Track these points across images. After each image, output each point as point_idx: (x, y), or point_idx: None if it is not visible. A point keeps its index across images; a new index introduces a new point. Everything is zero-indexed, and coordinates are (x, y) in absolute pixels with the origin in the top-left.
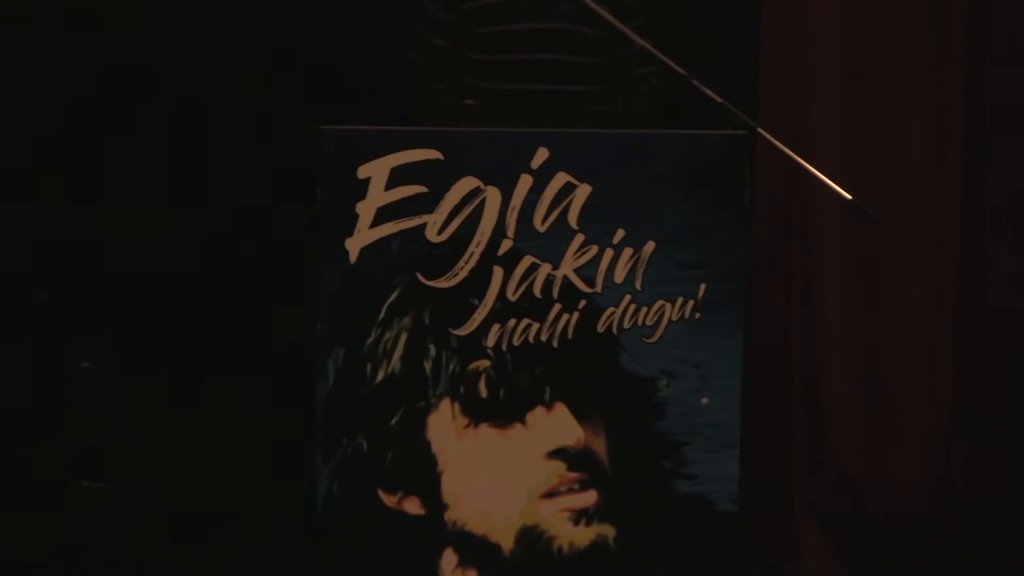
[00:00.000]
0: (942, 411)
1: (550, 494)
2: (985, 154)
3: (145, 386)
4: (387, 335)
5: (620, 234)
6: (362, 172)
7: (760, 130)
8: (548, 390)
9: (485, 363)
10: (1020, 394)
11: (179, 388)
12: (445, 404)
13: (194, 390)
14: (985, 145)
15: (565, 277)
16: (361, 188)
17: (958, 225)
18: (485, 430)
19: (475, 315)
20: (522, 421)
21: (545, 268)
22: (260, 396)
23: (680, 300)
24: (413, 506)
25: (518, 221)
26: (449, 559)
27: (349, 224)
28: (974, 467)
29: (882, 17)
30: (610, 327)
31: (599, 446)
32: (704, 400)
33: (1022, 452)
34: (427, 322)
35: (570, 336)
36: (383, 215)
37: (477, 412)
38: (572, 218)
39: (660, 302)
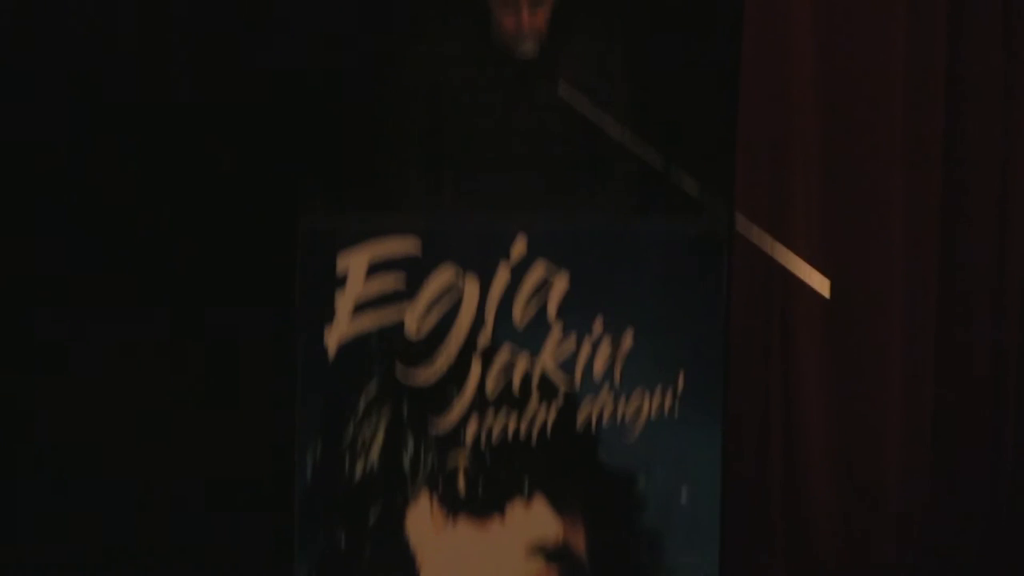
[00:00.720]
0: (921, 493)
1: None
2: (962, 233)
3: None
4: (365, 429)
5: (599, 322)
6: (340, 263)
7: (738, 217)
8: (527, 484)
9: (463, 457)
10: (1000, 474)
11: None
12: (423, 499)
13: (165, 485)
14: (963, 223)
15: (544, 371)
16: (339, 280)
17: (935, 307)
18: (464, 525)
19: (454, 409)
20: (501, 516)
21: (524, 361)
22: (237, 490)
23: (659, 389)
24: None
25: (497, 312)
26: None
27: (327, 316)
28: (954, 553)
29: (861, 99)
30: (589, 421)
31: (578, 541)
32: (683, 494)
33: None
34: (405, 416)
35: (549, 430)
36: (361, 307)
37: (456, 507)
38: (551, 307)
39: (639, 391)
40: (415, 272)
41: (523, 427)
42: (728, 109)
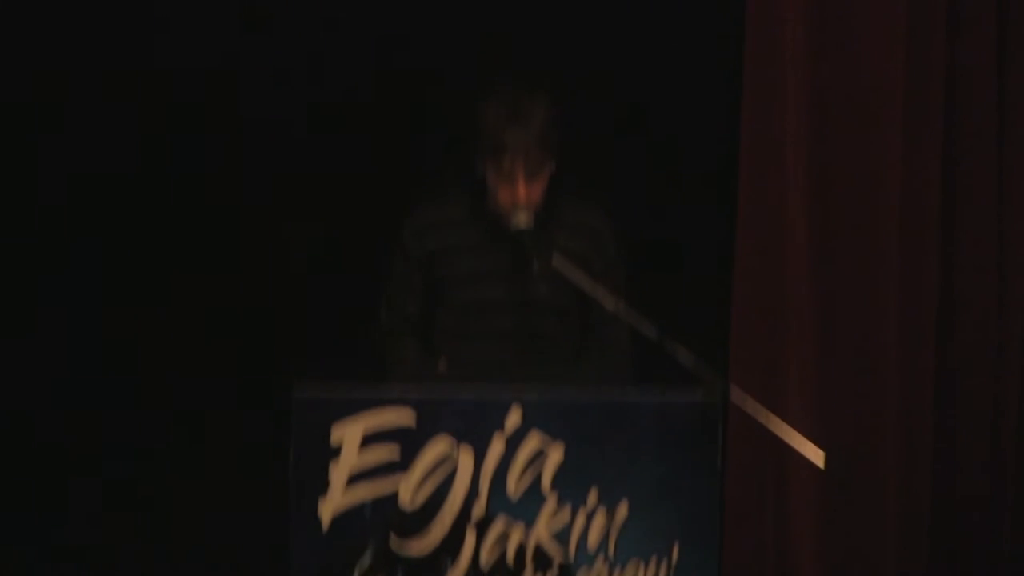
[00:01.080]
0: None
1: None
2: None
3: None
4: None
5: (593, 494)
6: (335, 434)
7: (734, 392)
8: None
9: None
10: None
11: None
12: None
13: None
14: (956, 390)
15: (538, 543)
16: (333, 450)
17: (929, 469)
18: None
19: None
20: None
21: (518, 533)
22: None
23: (654, 560)
24: None
25: (491, 483)
26: None
27: (321, 487)
28: None
29: (855, 265)
30: None
31: None
32: None
33: None
34: None
35: None
36: (356, 477)
37: None
38: (546, 479)
39: (634, 562)
40: (409, 443)
41: None
42: (722, 278)
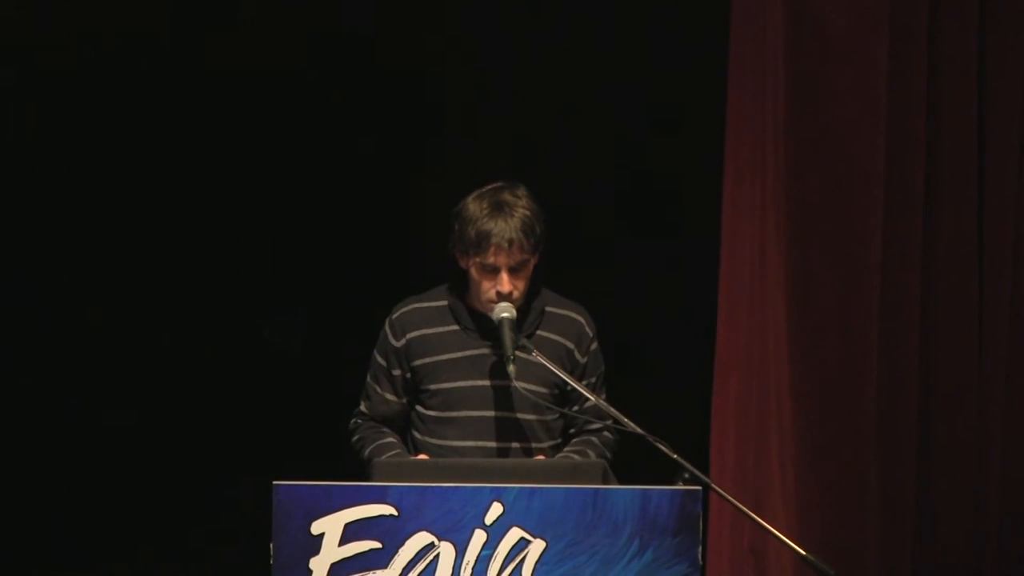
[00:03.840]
0: None
1: None
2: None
3: None
4: None
5: None
6: (315, 527)
7: (714, 487)
8: None
9: None
10: None
11: None
12: None
13: None
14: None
15: None
16: (314, 543)
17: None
18: None
19: None
20: None
21: None
22: None
23: None
24: None
25: None
26: None
27: None
28: None
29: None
30: None
31: None
32: None
33: None
34: None
35: None
36: (337, 571)
37: None
38: (526, 573)
39: None
40: (391, 538)
41: None
42: (702, 377)
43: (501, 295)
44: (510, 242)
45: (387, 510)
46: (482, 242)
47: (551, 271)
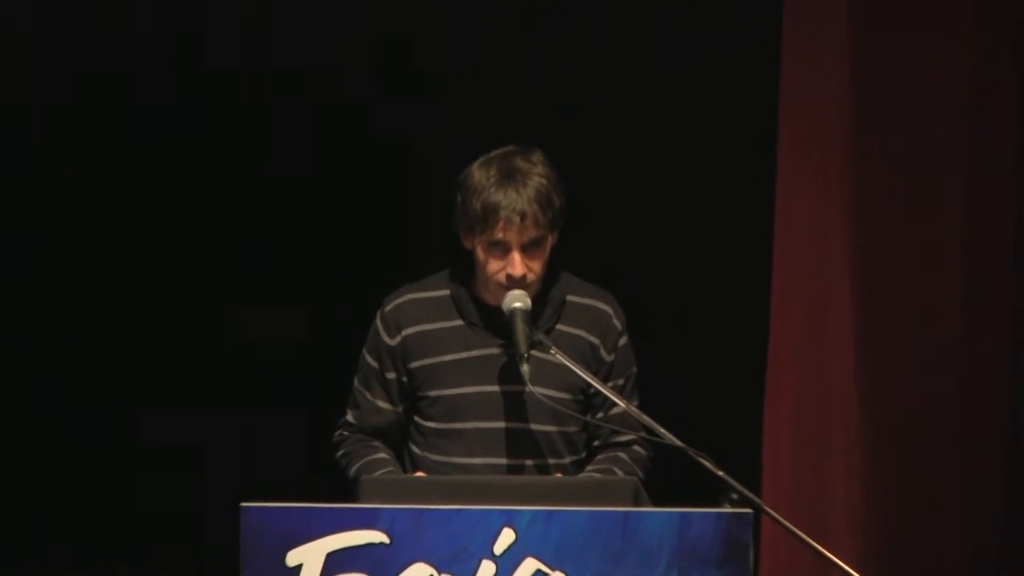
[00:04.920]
0: None
1: None
2: None
3: None
4: None
5: None
6: (292, 558)
7: (766, 509)
8: None
9: None
10: None
11: None
12: None
13: None
14: None
15: None
16: (290, 573)
17: None
18: None
19: None
20: None
21: None
22: None
23: None
24: None
25: None
26: None
27: None
28: None
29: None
30: None
31: None
32: None
33: None
34: None
35: None
36: None
37: None
38: None
39: None
40: (382, 570)
41: None
42: (755, 376)
43: (512, 279)
44: (522, 215)
45: (377, 537)
46: (489, 216)
47: (574, 254)
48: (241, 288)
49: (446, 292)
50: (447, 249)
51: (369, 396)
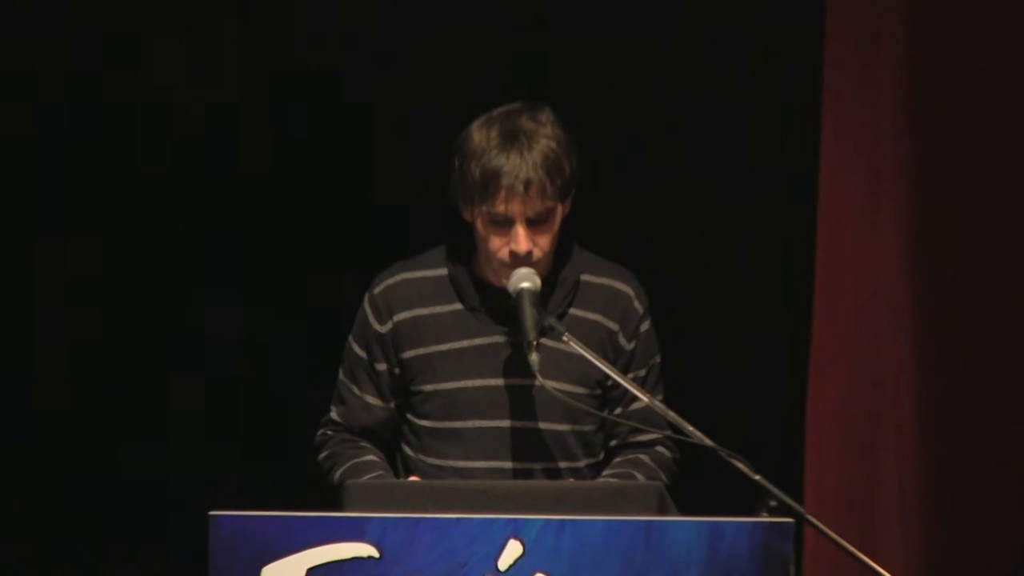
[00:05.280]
0: None
1: None
2: None
3: None
4: None
5: None
6: (268, 574)
7: (809, 518)
8: None
9: None
10: None
11: None
12: None
13: None
14: None
15: None
16: None
17: None
18: None
19: None
20: None
21: None
22: None
23: None
24: None
25: None
26: None
27: None
28: None
29: None
30: None
31: None
32: None
33: None
34: None
35: None
36: None
37: None
38: None
39: None
40: None
41: None
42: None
43: (517, 256)
44: (527, 183)
45: (365, 550)
46: (489, 184)
47: (594, 230)
48: (211, 284)
49: (443, 272)
50: (443, 223)
51: (356, 390)
